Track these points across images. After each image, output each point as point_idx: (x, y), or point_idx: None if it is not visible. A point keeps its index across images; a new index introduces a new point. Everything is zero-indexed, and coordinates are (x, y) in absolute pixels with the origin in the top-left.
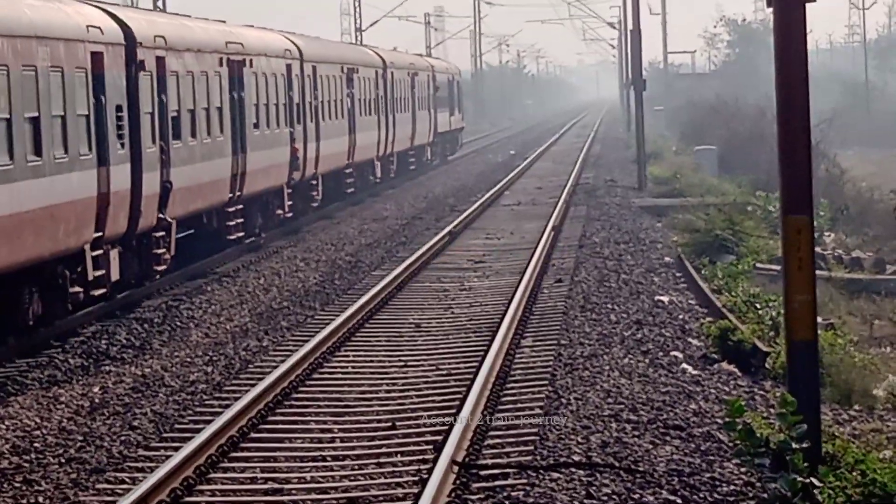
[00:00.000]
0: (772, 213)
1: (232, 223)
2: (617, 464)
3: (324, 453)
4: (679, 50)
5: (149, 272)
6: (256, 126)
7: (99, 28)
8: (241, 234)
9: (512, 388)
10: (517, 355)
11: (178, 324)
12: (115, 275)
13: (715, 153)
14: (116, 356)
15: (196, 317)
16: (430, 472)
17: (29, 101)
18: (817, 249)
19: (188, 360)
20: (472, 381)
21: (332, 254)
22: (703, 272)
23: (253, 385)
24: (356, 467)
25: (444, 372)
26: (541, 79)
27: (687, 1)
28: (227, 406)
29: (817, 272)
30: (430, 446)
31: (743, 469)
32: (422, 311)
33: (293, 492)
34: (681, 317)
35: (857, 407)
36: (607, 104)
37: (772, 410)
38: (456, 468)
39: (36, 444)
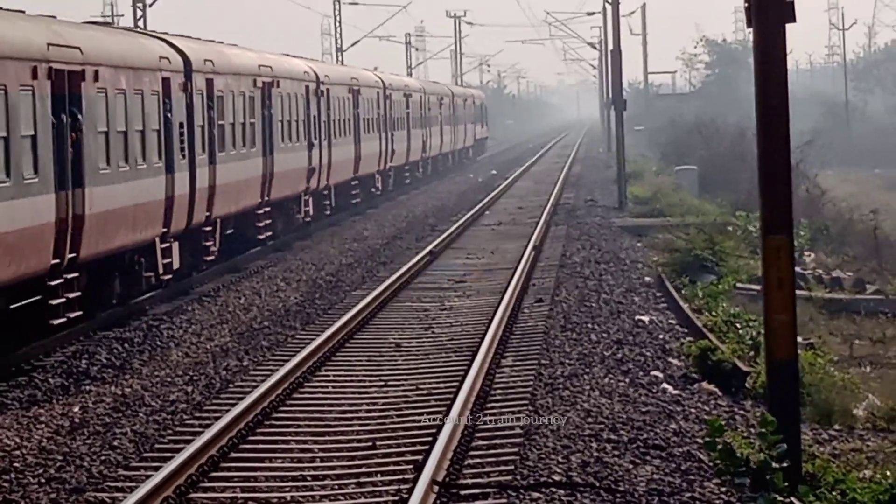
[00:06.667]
0: (752, 232)
1: (57, 302)
2: (597, 483)
3: (304, 473)
4: (659, 70)
5: None
6: (108, 161)
7: None
8: (73, 313)
9: (492, 407)
10: (498, 375)
11: (159, 343)
12: None
13: (695, 173)
14: (97, 376)
15: (176, 336)
16: (410, 491)
17: None
18: (797, 269)
19: (168, 379)
20: (453, 400)
21: (312, 273)
22: (683, 292)
23: (233, 405)
24: (336, 487)
25: (425, 391)
26: (521, 99)
27: (667, 21)
28: (208, 426)
29: (797, 292)
30: (411, 466)
31: (723, 489)
32: (402, 331)
33: None
34: (661, 336)
35: (837, 426)
36: (588, 124)
37: (752, 430)
38: (436, 488)
39: (16, 464)
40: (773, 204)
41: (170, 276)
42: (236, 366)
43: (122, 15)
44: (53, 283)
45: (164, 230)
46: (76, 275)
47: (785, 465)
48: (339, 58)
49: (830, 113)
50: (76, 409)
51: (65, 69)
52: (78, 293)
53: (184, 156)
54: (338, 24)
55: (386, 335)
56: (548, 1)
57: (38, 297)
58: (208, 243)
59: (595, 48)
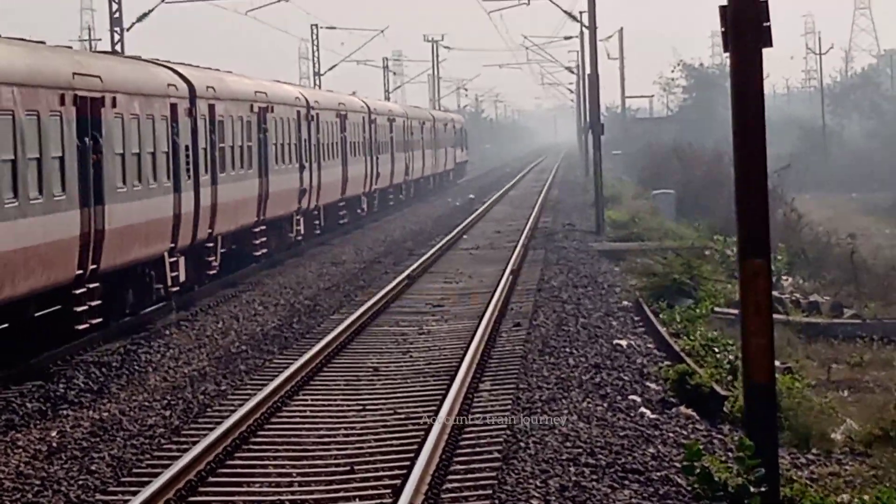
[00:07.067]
0: (729, 256)
1: (81, 309)
2: None
3: (282, 497)
4: (637, 94)
5: None
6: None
7: None
8: (95, 320)
9: (470, 431)
10: (476, 399)
11: (137, 368)
12: None
13: (673, 197)
14: (74, 400)
15: (154, 361)
16: None
17: None
18: (775, 293)
19: (146, 404)
20: (431, 424)
21: (290, 297)
22: (661, 316)
23: (211, 429)
24: None
25: (403, 416)
26: (499, 123)
27: (645, 45)
28: (186, 450)
29: (775, 316)
30: (389, 490)
31: None
32: (380, 355)
33: None
34: (639, 361)
35: (814, 451)
36: (565, 148)
37: (730, 454)
38: None
39: None
40: (751, 228)
41: (177, 289)
42: (214, 390)
43: (100, 39)
44: (77, 291)
45: (172, 245)
46: (97, 285)
47: (763, 489)
48: (317, 82)
49: (807, 137)
50: (54, 433)
51: (87, 96)
52: (99, 301)
53: (189, 176)
54: (315, 49)
55: (364, 359)
56: (525, 25)
57: (62, 305)
58: (210, 258)
59: (572, 72)
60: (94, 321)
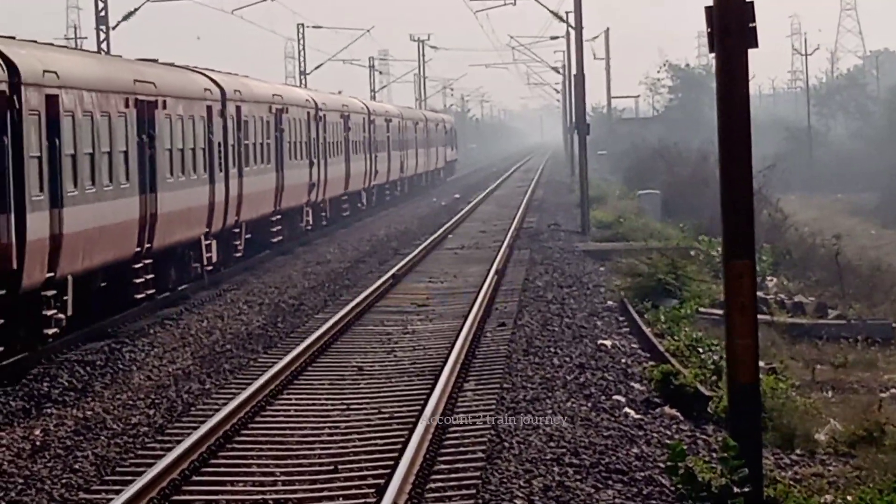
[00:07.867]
0: (714, 257)
1: (139, 281)
2: None
3: (266, 497)
4: (623, 94)
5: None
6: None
7: None
8: (149, 291)
9: (454, 431)
10: (460, 399)
11: (121, 366)
12: None
13: (658, 197)
14: (58, 399)
15: (138, 359)
16: None
17: None
18: (759, 294)
19: (130, 402)
20: (415, 424)
21: (275, 297)
22: (645, 316)
23: (195, 428)
24: None
25: (387, 415)
26: (485, 123)
27: (631, 45)
28: (170, 449)
29: (759, 316)
30: (373, 490)
31: None
32: (365, 355)
33: None
34: (623, 361)
35: (798, 451)
36: (551, 148)
37: (714, 454)
38: None
39: None
40: (736, 229)
41: (211, 268)
42: (198, 389)
43: (86, 37)
44: (136, 266)
45: (207, 229)
46: (150, 261)
47: (746, 489)
48: (303, 81)
49: (793, 138)
50: (38, 431)
51: (145, 100)
52: (152, 275)
53: (221, 169)
54: (301, 48)
55: (348, 359)
56: (511, 25)
57: (118, 279)
58: (236, 242)
59: (558, 72)
60: (149, 292)
